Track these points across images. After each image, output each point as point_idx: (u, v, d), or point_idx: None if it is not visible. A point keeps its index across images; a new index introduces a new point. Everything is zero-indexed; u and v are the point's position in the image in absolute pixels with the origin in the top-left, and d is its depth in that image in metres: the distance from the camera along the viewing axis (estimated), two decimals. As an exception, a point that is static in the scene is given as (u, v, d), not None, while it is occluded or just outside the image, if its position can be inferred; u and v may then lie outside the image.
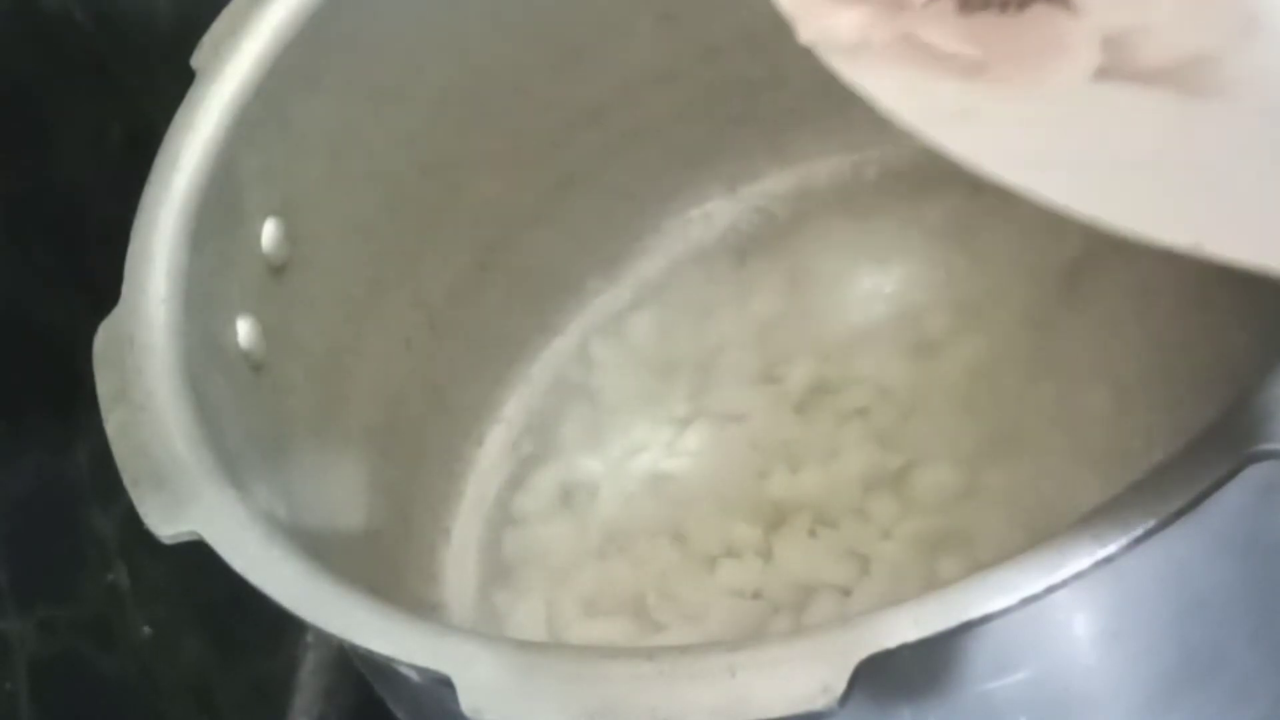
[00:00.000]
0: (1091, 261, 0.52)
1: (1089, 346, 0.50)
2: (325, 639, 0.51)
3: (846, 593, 0.48)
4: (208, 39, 0.47)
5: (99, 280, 0.43)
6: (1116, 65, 0.31)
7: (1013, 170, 0.30)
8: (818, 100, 0.57)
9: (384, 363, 0.53)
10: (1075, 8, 0.32)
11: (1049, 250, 0.53)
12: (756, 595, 0.49)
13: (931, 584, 0.32)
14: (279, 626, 0.58)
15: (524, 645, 0.34)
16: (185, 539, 0.38)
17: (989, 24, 0.33)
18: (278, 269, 0.47)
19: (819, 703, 0.31)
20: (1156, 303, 0.50)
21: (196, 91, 0.46)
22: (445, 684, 0.33)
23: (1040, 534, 0.32)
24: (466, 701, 0.33)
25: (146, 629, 0.52)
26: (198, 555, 0.37)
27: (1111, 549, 0.31)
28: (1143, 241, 0.28)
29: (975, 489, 0.49)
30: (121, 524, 0.51)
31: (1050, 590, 0.31)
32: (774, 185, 0.59)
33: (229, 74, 0.46)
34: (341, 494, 0.49)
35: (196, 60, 0.47)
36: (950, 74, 0.32)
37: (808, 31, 0.33)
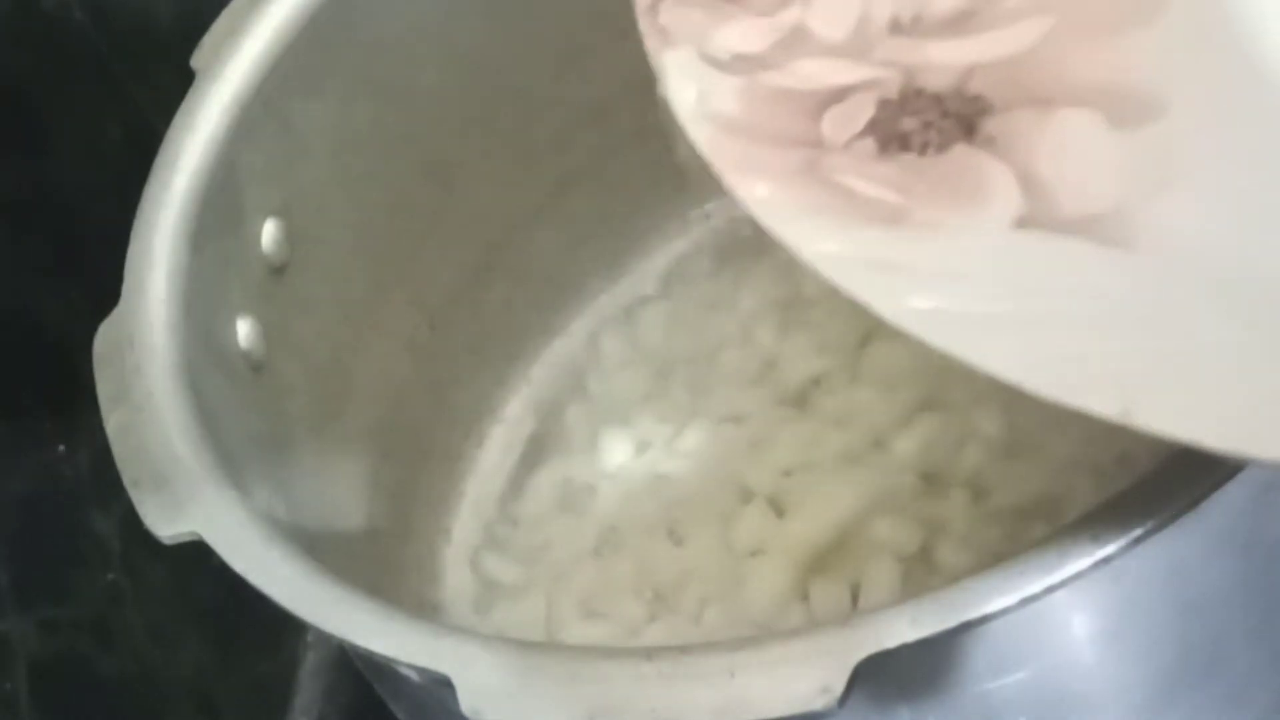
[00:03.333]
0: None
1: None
2: (325, 639, 0.51)
3: (848, 593, 0.48)
4: (208, 39, 0.47)
5: (99, 280, 0.43)
6: (1037, 214, 0.31)
7: (932, 330, 0.30)
8: (818, 100, 0.57)
9: (384, 363, 0.53)
10: (995, 150, 0.32)
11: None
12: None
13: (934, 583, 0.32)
14: (279, 626, 0.58)
15: (524, 645, 0.34)
16: (185, 539, 0.38)
17: (909, 166, 0.32)
18: (278, 269, 0.47)
19: (818, 703, 0.31)
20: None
21: (196, 91, 0.46)
22: (445, 684, 0.33)
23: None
24: (466, 702, 0.33)
25: (146, 629, 0.52)
26: (198, 555, 0.37)
27: (1111, 549, 0.31)
28: (1073, 410, 0.28)
29: (983, 490, 0.49)
30: (121, 524, 0.51)
31: (1049, 590, 0.31)
32: (774, 185, 0.59)
33: (229, 74, 0.46)
34: (341, 494, 0.49)
35: (196, 60, 0.47)
36: (872, 221, 0.32)
37: (733, 185, 0.33)
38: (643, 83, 0.56)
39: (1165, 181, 0.31)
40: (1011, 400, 0.50)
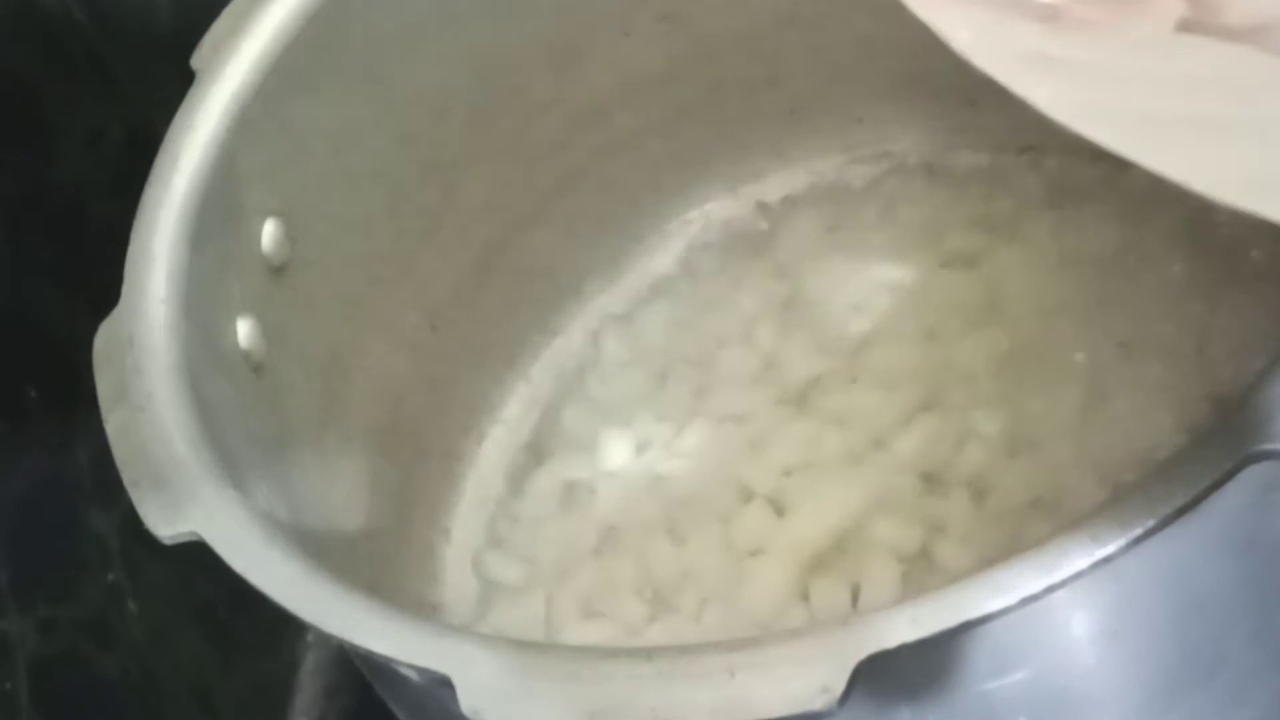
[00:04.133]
0: (1097, 260, 0.52)
1: (1096, 346, 0.50)
2: (325, 639, 0.51)
3: (848, 593, 0.48)
4: (208, 39, 0.47)
5: (99, 280, 0.43)
6: (1200, 19, 0.31)
7: (1086, 120, 0.28)
8: (818, 100, 0.57)
9: (384, 363, 0.53)
10: None
11: (1056, 247, 0.53)
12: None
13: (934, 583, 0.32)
14: (279, 626, 0.58)
15: (524, 645, 0.34)
16: (185, 539, 0.38)
17: None
18: (278, 269, 0.47)
19: (818, 703, 0.31)
20: (1164, 301, 0.50)
21: (196, 91, 0.46)
22: (445, 684, 0.33)
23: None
24: (466, 702, 0.33)
25: (146, 629, 0.52)
26: (198, 555, 0.37)
27: (1110, 549, 0.31)
28: (1206, 197, 0.27)
29: (983, 490, 0.49)
30: (121, 524, 0.51)
31: (1049, 590, 0.31)
32: (774, 185, 0.59)
33: (229, 74, 0.46)
34: (341, 494, 0.49)
35: (196, 60, 0.47)
36: (1029, 16, 0.31)
37: None
38: (643, 83, 0.56)
39: None
40: (1011, 400, 0.50)
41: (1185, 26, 0.31)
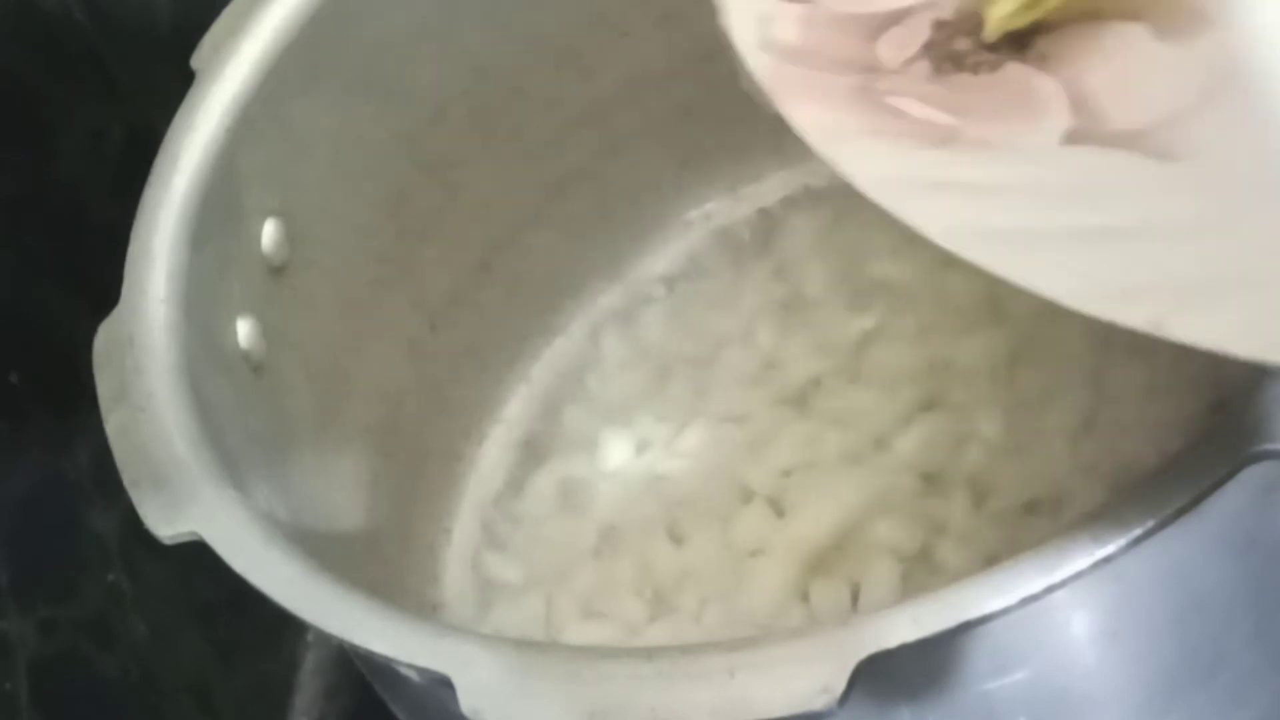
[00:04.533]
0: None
1: (1096, 346, 0.50)
2: (325, 639, 0.51)
3: (848, 593, 0.48)
4: (208, 39, 0.47)
5: (99, 280, 0.43)
6: (1086, 128, 0.31)
7: (983, 249, 0.29)
8: (818, 100, 0.57)
9: (384, 363, 0.53)
10: (1046, 67, 0.32)
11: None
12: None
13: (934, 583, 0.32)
14: (279, 626, 0.58)
15: (524, 645, 0.34)
16: (185, 539, 0.38)
17: (962, 86, 0.33)
18: (278, 269, 0.47)
19: (818, 703, 0.31)
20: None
21: (196, 91, 0.46)
22: (445, 684, 0.33)
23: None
24: (466, 702, 0.33)
25: (146, 629, 0.52)
26: (197, 555, 0.37)
27: (1110, 549, 0.31)
28: (1106, 320, 0.28)
29: (983, 491, 0.49)
30: (121, 524, 0.51)
31: (1049, 590, 0.31)
32: (774, 185, 0.59)
33: (229, 74, 0.46)
34: (341, 494, 0.49)
35: (196, 60, 0.47)
36: (924, 143, 0.32)
37: (788, 113, 0.33)
38: (643, 83, 0.56)
39: (1213, 93, 0.31)
40: (1011, 400, 0.50)
41: (1072, 137, 0.31)
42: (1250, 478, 0.32)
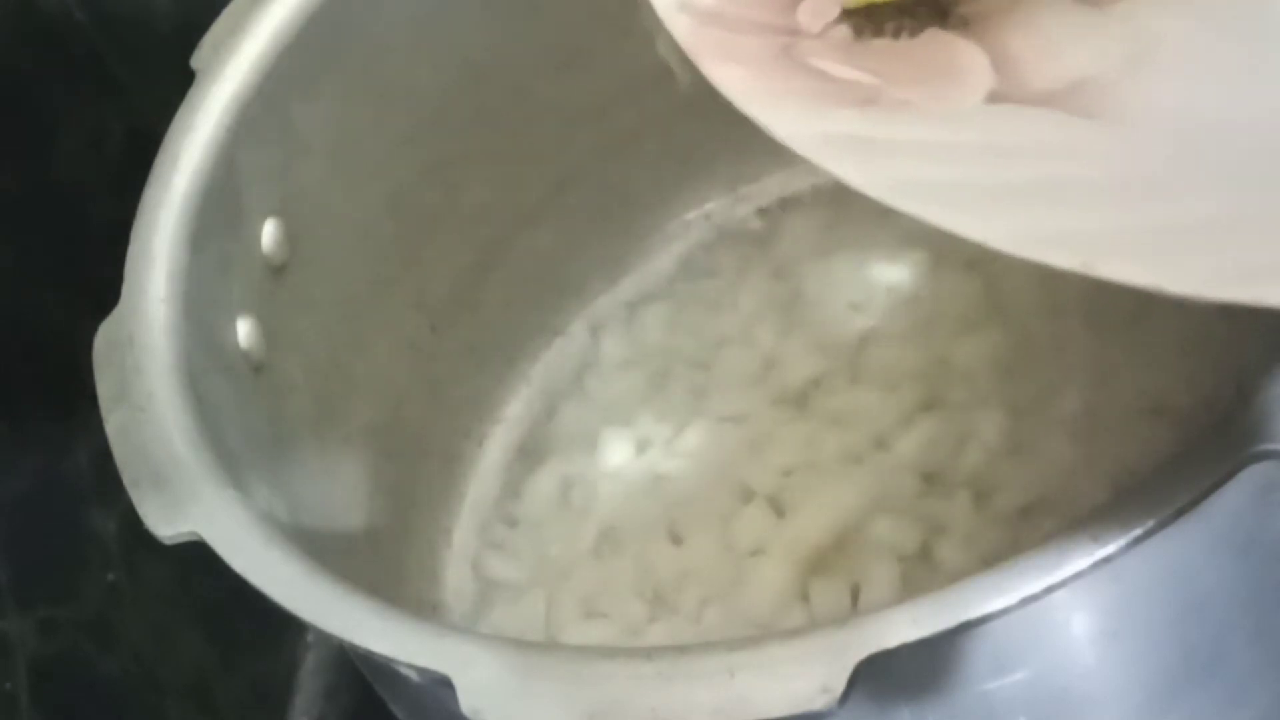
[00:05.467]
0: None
1: (1096, 347, 0.50)
2: (325, 639, 0.51)
3: (848, 593, 0.48)
4: (208, 39, 0.47)
5: (99, 280, 0.43)
6: (1007, 89, 0.32)
7: (906, 197, 0.30)
8: (818, 100, 0.57)
9: (384, 363, 0.53)
10: (968, 32, 0.33)
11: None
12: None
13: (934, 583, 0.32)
14: (279, 626, 0.58)
15: (524, 645, 0.34)
16: (185, 539, 0.38)
17: (883, 50, 0.33)
18: (278, 269, 0.47)
19: (818, 703, 0.31)
20: (1166, 302, 0.50)
21: (196, 91, 0.46)
22: (445, 684, 0.33)
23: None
24: (466, 702, 0.33)
25: (146, 629, 0.52)
26: (198, 555, 0.37)
27: (1111, 549, 0.31)
28: (1034, 262, 0.29)
29: (983, 491, 0.49)
30: (121, 524, 0.51)
31: (1049, 590, 0.31)
32: (774, 185, 0.59)
33: (229, 74, 0.46)
34: (341, 494, 0.49)
35: (196, 60, 0.47)
36: (846, 102, 0.32)
37: (709, 71, 0.33)
38: (643, 83, 0.56)
39: (1135, 56, 0.32)
40: (1011, 400, 0.50)
41: (994, 98, 0.32)
42: (1250, 478, 0.32)
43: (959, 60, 0.33)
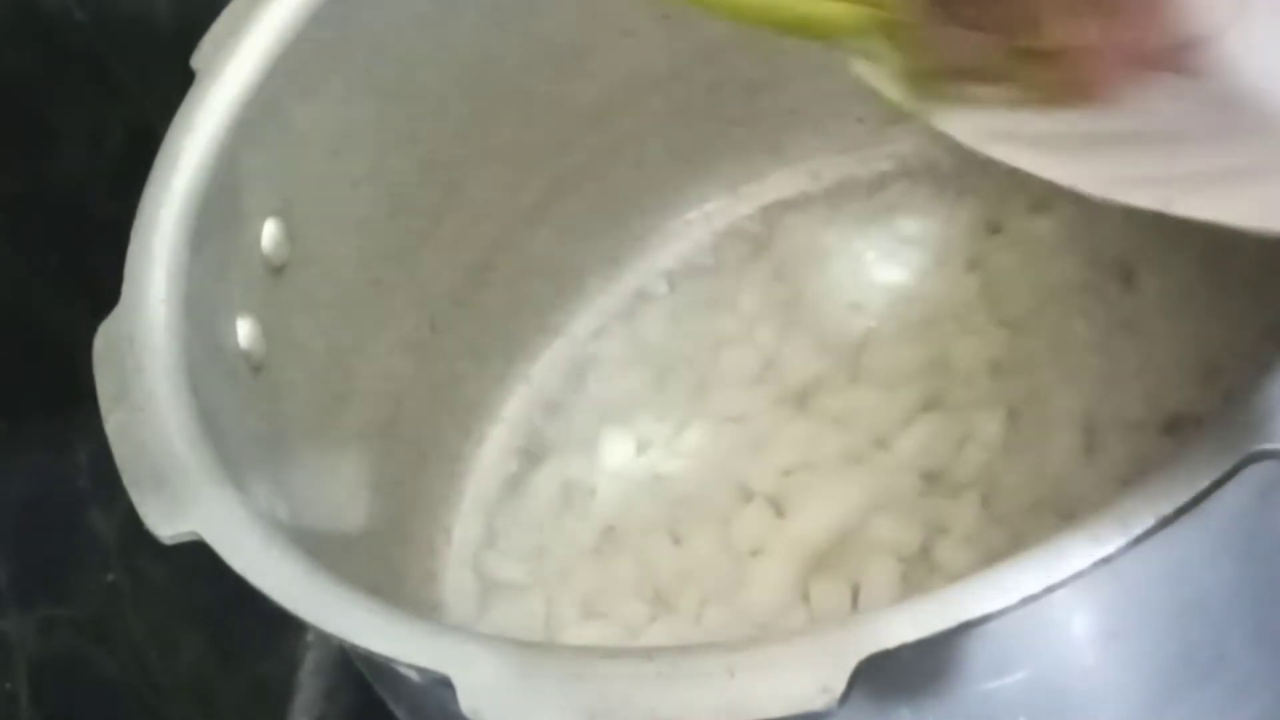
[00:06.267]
0: (1099, 261, 0.52)
1: (1097, 347, 0.50)
2: (325, 639, 0.51)
3: (848, 593, 0.48)
4: (208, 39, 0.47)
5: (99, 280, 0.43)
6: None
7: (996, 143, 0.32)
8: (818, 100, 0.57)
9: (384, 363, 0.53)
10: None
11: (1057, 247, 0.53)
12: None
13: (934, 583, 0.32)
14: (279, 626, 0.58)
15: (524, 645, 0.34)
16: (185, 539, 0.38)
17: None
18: (278, 269, 0.47)
19: (818, 703, 0.31)
20: (1167, 302, 0.50)
21: (196, 91, 0.46)
22: (445, 684, 0.33)
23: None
24: (466, 702, 0.33)
25: (146, 629, 0.52)
26: (197, 555, 0.37)
27: (1110, 549, 0.31)
28: (1117, 201, 0.31)
29: (984, 491, 0.49)
30: (121, 524, 0.51)
31: (1049, 590, 0.31)
32: (774, 185, 0.59)
33: (229, 74, 0.46)
34: (341, 494, 0.49)
35: (196, 60, 0.47)
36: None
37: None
38: (643, 83, 0.56)
39: (1239, 12, 0.33)
40: (1012, 400, 0.50)
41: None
42: (1250, 478, 0.32)
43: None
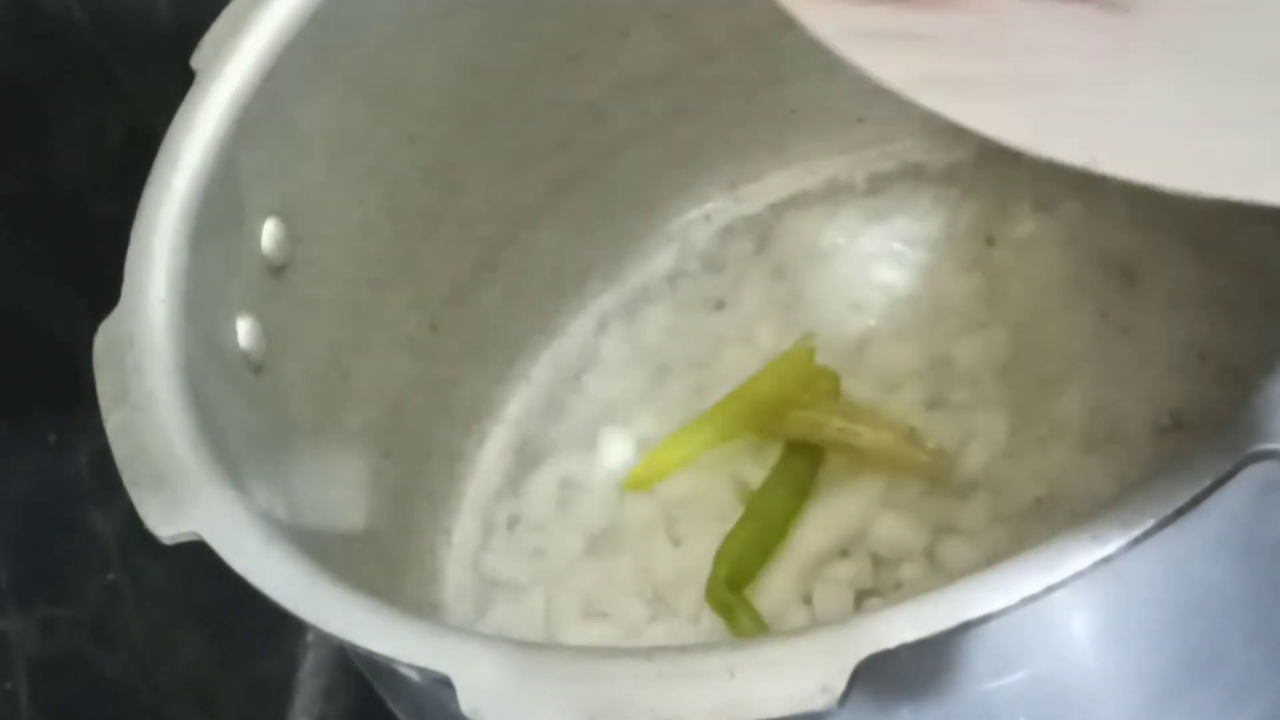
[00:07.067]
0: (1100, 259, 0.52)
1: (1098, 346, 0.50)
2: (325, 639, 0.51)
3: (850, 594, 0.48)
4: (208, 39, 0.47)
5: (99, 280, 0.43)
6: None
7: (926, 90, 0.31)
8: (818, 100, 0.57)
9: (384, 363, 0.52)
10: None
11: (1057, 247, 0.53)
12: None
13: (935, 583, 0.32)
14: (279, 626, 0.58)
15: (524, 645, 0.34)
16: (185, 539, 0.38)
17: None
18: (278, 269, 0.47)
19: (818, 703, 0.31)
20: (1168, 301, 0.50)
21: (196, 91, 0.46)
22: (445, 684, 0.33)
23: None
24: (466, 702, 0.33)
25: (146, 629, 0.52)
26: (197, 555, 0.37)
27: (1111, 549, 0.31)
28: (1042, 156, 0.29)
29: (985, 491, 0.49)
30: (121, 524, 0.51)
31: (1050, 590, 0.31)
32: (774, 185, 0.59)
33: (229, 74, 0.46)
34: (341, 494, 0.49)
35: (196, 60, 0.47)
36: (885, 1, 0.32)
37: None
38: (643, 83, 0.56)
39: None
40: (1013, 400, 0.50)
41: None
42: (1250, 478, 0.32)
43: None
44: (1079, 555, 0.31)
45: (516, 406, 0.57)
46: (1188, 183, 0.28)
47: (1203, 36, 0.31)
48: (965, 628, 0.31)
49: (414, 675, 0.35)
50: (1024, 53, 0.31)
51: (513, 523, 0.55)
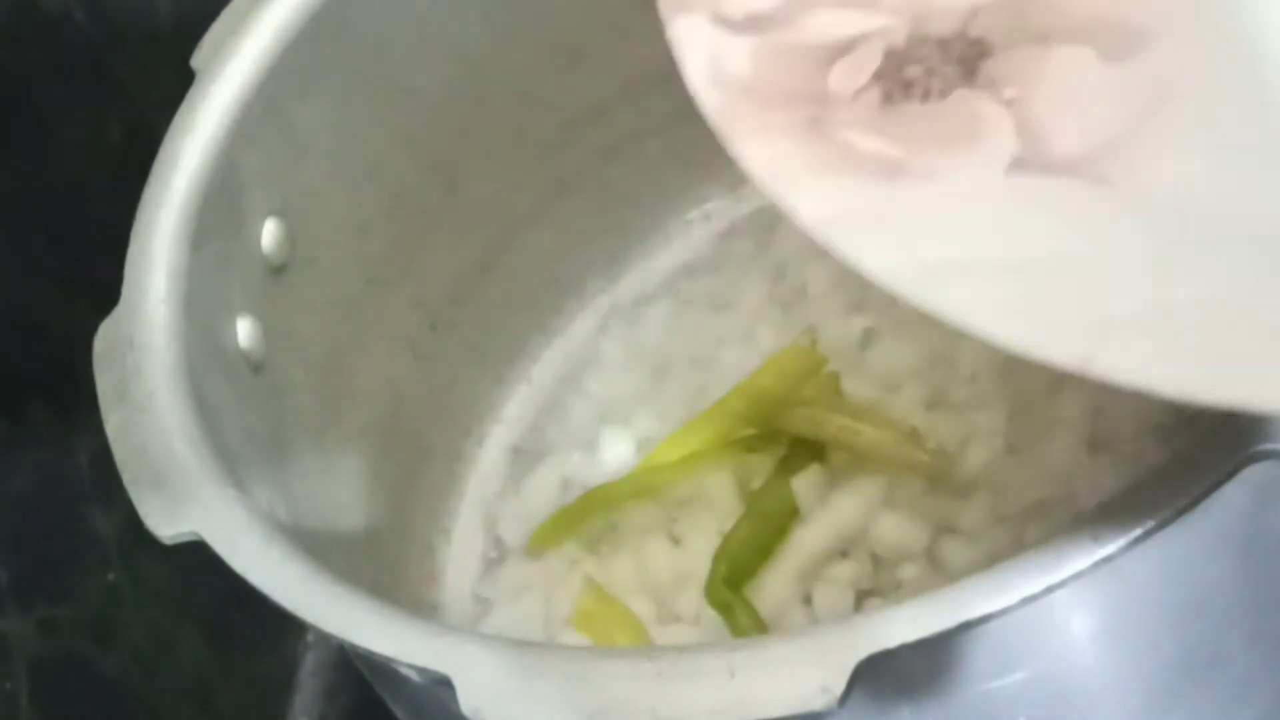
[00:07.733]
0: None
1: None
2: (325, 639, 0.51)
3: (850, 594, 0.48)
4: (208, 39, 0.47)
5: (99, 280, 0.43)
6: (1030, 155, 0.32)
7: (921, 289, 0.30)
8: (818, 100, 0.57)
9: (384, 363, 0.53)
10: (994, 92, 0.33)
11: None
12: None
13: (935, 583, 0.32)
14: (279, 626, 0.58)
15: (524, 645, 0.34)
16: (185, 539, 0.38)
17: (911, 116, 0.33)
18: (278, 269, 0.47)
19: (818, 703, 0.31)
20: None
21: (196, 91, 0.46)
22: (445, 684, 0.33)
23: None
24: (466, 702, 0.33)
25: (146, 629, 0.52)
26: (197, 555, 0.37)
27: (1111, 549, 0.31)
28: (1034, 360, 0.28)
29: (986, 491, 0.49)
30: (121, 524, 0.51)
31: (1050, 590, 0.31)
32: (774, 185, 0.59)
33: (229, 74, 0.46)
34: (341, 494, 0.49)
35: (196, 60, 0.47)
36: (870, 177, 0.32)
37: (738, 151, 0.33)
38: (643, 83, 0.56)
39: (1151, 111, 0.31)
40: (1014, 400, 0.50)
41: (1017, 164, 0.32)
42: (1250, 478, 0.32)
43: (983, 125, 0.32)
44: (1079, 555, 0.31)
45: (516, 406, 0.57)
46: (1186, 392, 0.27)
47: (1196, 214, 0.30)
48: (965, 628, 0.31)
49: (414, 675, 0.35)
50: (1008, 231, 0.31)
51: (513, 522, 0.54)
